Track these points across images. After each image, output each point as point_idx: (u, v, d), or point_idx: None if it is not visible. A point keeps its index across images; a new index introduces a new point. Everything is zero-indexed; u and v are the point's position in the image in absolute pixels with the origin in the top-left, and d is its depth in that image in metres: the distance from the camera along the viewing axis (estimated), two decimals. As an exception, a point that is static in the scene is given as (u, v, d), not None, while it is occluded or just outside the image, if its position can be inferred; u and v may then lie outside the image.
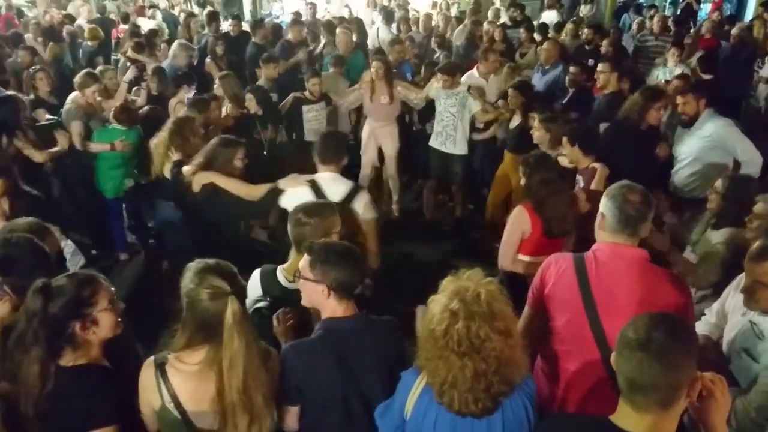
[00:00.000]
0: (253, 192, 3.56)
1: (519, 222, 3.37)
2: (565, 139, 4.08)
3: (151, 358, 2.03)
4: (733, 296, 2.65)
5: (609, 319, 2.21)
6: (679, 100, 4.47)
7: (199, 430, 1.99)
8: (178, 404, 1.97)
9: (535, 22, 9.11)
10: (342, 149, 3.58)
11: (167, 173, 3.99)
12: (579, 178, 4.07)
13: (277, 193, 3.46)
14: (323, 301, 2.19)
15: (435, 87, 5.72)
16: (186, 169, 3.72)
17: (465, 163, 5.85)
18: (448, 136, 5.76)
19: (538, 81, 6.62)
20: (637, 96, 4.59)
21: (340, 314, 2.19)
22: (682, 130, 4.64)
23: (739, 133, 4.35)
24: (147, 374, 2.01)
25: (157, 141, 4.17)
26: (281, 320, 2.42)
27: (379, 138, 6.13)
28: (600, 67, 5.57)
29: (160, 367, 1.98)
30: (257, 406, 1.96)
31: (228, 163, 3.67)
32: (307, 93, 5.95)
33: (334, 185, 3.38)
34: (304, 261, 2.23)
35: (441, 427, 1.92)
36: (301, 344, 2.16)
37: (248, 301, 2.52)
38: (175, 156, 3.98)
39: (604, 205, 2.33)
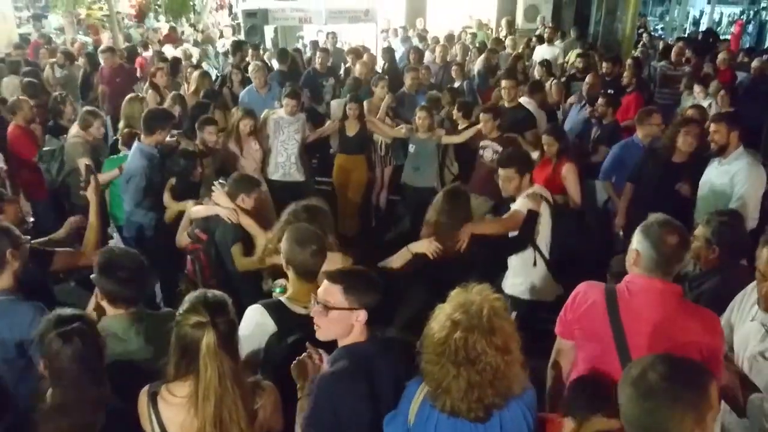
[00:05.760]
0: (510, 224, 3.78)
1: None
2: (485, 115, 5.35)
3: (147, 386, 2.03)
4: (738, 308, 2.55)
5: (638, 353, 2.15)
6: (712, 127, 4.31)
7: None
8: None
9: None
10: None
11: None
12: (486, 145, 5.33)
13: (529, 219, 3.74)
14: (351, 328, 2.14)
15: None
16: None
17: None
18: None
19: (575, 116, 6.47)
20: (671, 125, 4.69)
21: (363, 339, 2.18)
22: (712, 162, 4.41)
23: (759, 179, 4.14)
24: (142, 401, 2.02)
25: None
26: (314, 359, 2.23)
27: None
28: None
29: (152, 397, 1.99)
30: None
31: None
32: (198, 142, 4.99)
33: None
34: (333, 290, 2.14)
35: None
36: (339, 373, 2.09)
37: (262, 339, 2.46)
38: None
39: (639, 242, 2.26)
